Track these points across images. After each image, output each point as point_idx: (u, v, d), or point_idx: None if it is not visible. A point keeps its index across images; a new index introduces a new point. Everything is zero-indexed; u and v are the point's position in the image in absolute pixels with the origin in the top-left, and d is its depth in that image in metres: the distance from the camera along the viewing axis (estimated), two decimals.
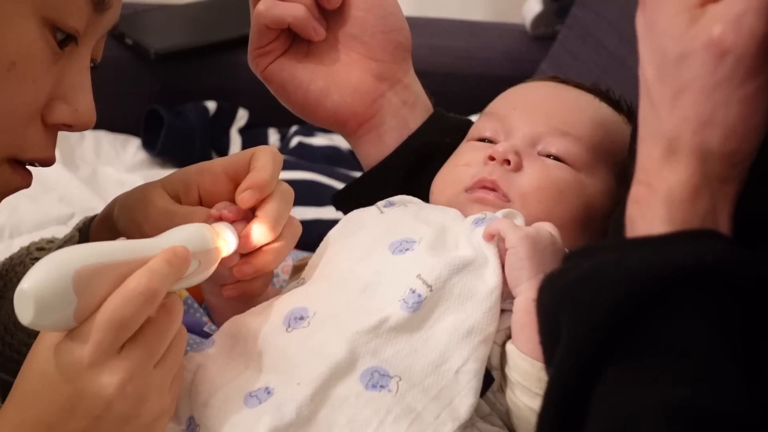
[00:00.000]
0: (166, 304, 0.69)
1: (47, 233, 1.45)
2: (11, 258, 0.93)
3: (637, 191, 0.64)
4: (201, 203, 0.82)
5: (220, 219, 0.79)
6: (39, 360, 0.68)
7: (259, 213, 0.78)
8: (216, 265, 0.76)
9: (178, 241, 0.71)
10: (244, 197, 0.78)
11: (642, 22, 0.66)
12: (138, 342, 0.67)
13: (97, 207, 1.57)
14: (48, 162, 0.76)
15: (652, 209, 0.62)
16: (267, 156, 0.79)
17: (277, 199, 0.79)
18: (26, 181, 0.78)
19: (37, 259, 0.89)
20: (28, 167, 0.77)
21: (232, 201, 0.80)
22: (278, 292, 0.86)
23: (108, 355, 0.66)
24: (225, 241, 0.77)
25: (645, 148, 0.64)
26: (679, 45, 0.62)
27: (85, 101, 0.74)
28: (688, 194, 0.62)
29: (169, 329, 0.69)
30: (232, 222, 0.78)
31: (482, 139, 0.90)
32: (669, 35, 0.63)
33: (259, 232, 0.78)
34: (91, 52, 0.76)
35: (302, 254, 1.29)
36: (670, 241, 0.61)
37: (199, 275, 0.74)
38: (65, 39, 0.72)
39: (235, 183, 0.80)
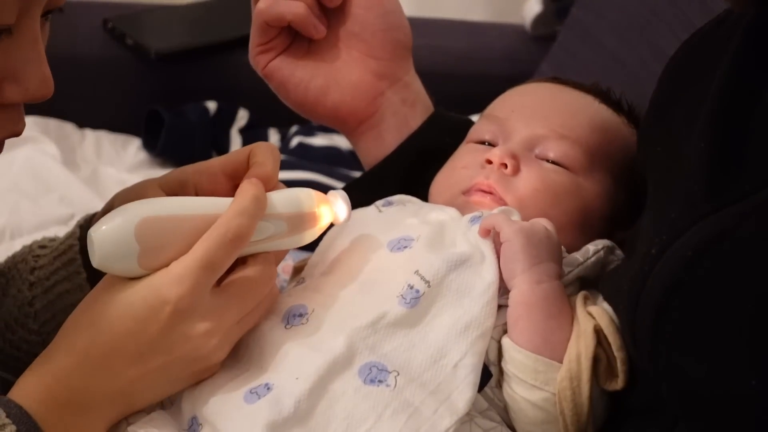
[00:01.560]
0: (267, 268, 0.74)
1: (48, 234, 1.45)
2: (14, 256, 0.93)
3: None
4: None
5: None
6: (111, 299, 0.70)
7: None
8: (315, 231, 0.78)
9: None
10: None
11: None
12: (233, 297, 0.72)
13: (97, 207, 1.56)
14: (16, 134, 0.74)
15: None
16: (266, 151, 0.80)
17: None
18: None
19: (39, 257, 0.89)
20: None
21: None
22: (278, 292, 0.86)
23: (200, 299, 0.70)
24: (331, 209, 0.78)
25: None
26: None
27: (34, 76, 0.70)
28: None
29: (260, 291, 0.74)
30: None
31: (481, 142, 0.91)
32: None
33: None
34: (39, 18, 0.70)
35: (303, 254, 1.30)
36: None
37: (287, 239, 0.76)
38: None
39: (234, 181, 0.80)
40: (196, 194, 0.82)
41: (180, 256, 0.71)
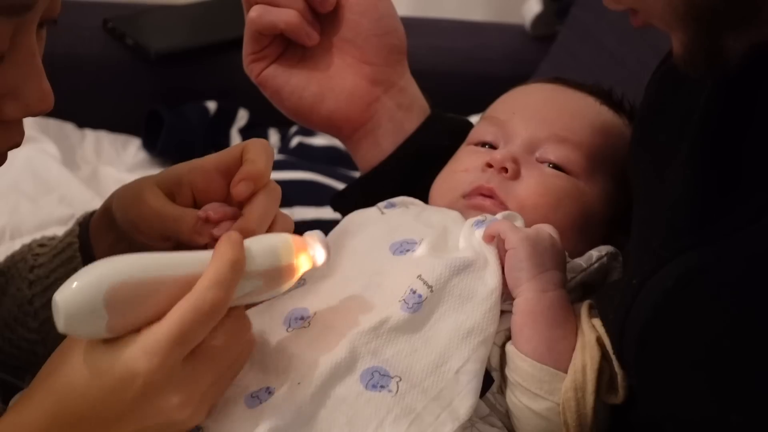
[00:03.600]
0: (233, 326, 0.69)
1: (48, 234, 1.45)
2: (13, 255, 0.92)
3: None
4: (195, 202, 0.81)
5: (207, 220, 0.77)
6: (81, 363, 0.67)
7: (245, 211, 0.77)
8: (291, 282, 0.73)
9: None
10: (239, 189, 0.76)
11: None
12: (206, 365, 0.68)
13: (97, 207, 1.56)
14: (17, 145, 0.74)
15: None
16: (258, 148, 0.78)
17: (263, 197, 0.78)
18: None
19: (38, 255, 0.89)
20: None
21: (227, 198, 0.79)
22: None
23: (173, 372, 0.66)
24: (309, 256, 0.74)
25: None
26: None
27: (35, 91, 0.69)
28: None
29: (233, 351, 0.70)
30: (217, 222, 0.77)
31: (482, 144, 0.91)
32: None
33: (242, 227, 0.76)
34: (34, 33, 0.70)
35: None
36: None
37: (263, 294, 0.72)
38: None
39: (228, 179, 0.79)
40: (193, 193, 0.81)
41: (152, 321, 0.67)
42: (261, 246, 0.71)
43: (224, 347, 0.69)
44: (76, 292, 0.64)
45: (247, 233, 0.73)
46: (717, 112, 0.70)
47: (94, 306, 0.64)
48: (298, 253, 0.72)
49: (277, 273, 0.72)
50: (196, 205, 0.81)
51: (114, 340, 0.66)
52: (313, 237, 0.74)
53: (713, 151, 0.69)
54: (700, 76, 0.70)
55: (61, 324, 0.65)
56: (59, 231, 1.43)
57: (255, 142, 0.79)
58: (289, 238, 0.73)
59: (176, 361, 0.66)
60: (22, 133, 0.72)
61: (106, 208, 0.86)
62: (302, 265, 0.73)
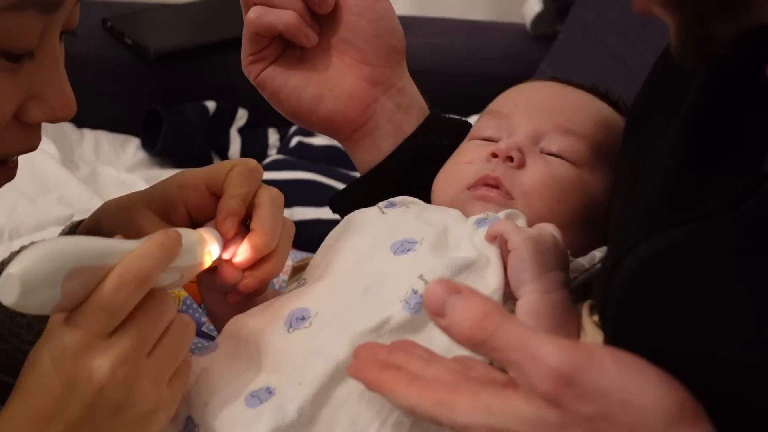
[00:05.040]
0: (157, 293, 0.68)
1: (47, 234, 1.45)
2: (2, 262, 0.92)
3: None
4: (191, 217, 0.82)
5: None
6: (35, 352, 0.67)
7: (254, 226, 0.78)
8: (193, 275, 0.76)
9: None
10: (226, 227, 0.78)
11: None
12: (128, 327, 0.67)
13: (96, 207, 1.56)
14: (31, 151, 0.74)
15: None
16: (241, 180, 0.79)
17: (269, 207, 0.79)
18: (7, 178, 0.76)
19: None
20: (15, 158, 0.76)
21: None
22: (277, 293, 0.85)
23: (98, 340, 0.66)
24: (210, 253, 0.76)
25: None
26: None
27: (59, 96, 0.71)
28: None
29: (161, 317, 0.69)
30: (228, 239, 0.78)
31: (484, 139, 0.90)
32: None
33: (258, 245, 0.78)
34: (58, 38, 0.72)
35: (302, 254, 1.29)
36: None
37: (175, 286, 0.74)
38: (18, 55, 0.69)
39: (218, 197, 0.79)
40: (187, 211, 0.81)
41: None
42: (186, 243, 0.72)
43: (149, 323, 0.67)
44: (37, 269, 0.63)
45: (261, 252, 0.77)
46: (705, 101, 0.70)
47: (52, 286, 0.63)
48: (205, 251, 0.75)
49: (193, 269, 0.74)
50: (192, 221, 0.81)
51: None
52: (209, 234, 0.76)
53: (697, 140, 0.69)
54: (693, 67, 0.70)
55: (10, 298, 0.63)
56: (57, 232, 1.43)
57: (241, 169, 0.80)
58: (203, 237, 0.75)
59: (102, 330, 0.66)
60: (39, 138, 0.73)
61: (93, 225, 0.86)
62: (206, 262, 0.76)
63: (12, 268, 0.63)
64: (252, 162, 0.81)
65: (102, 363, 0.66)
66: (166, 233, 0.69)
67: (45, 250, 0.64)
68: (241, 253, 0.78)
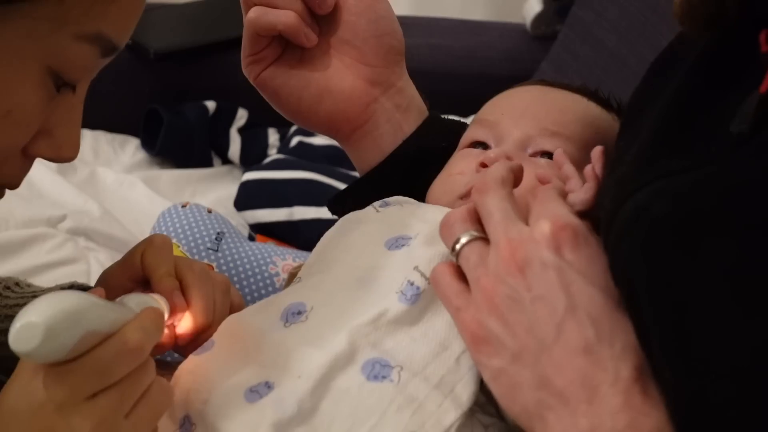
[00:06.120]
0: (139, 367, 0.69)
1: (37, 232, 1.43)
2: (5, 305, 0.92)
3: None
4: None
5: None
6: (11, 395, 0.67)
7: (191, 307, 0.81)
8: None
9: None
10: (180, 302, 0.81)
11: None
12: (111, 389, 0.67)
13: (90, 210, 1.56)
14: (14, 187, 0.74)
15: None
16: (153, 258, 0.82)
17: (198, 285, 0.81)
18: None
19: (8, 297, 0.89)
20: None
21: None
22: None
23: (82, 400, 0.66)
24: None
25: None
26: None
27: (70, 138, 0.72)
28: None
29: (141, 380, 0.69)
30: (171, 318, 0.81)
31: (474, 144, 0.91)
32: None
33: (199, 323, 0.82)
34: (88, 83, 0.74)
35: (303, 253, 1.29)
36: None
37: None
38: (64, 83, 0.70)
39: (141, 282, 0.82)
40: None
41: None
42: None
43: (130, 385, 0.68)
44: (61, 324, 0.63)
45: (201, 328, 0.81)
46: (705, 65, 0.70)
47: (69, 340, 0.63)
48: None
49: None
50: None
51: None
52: (162, 301, 0.79)
53: (680, 114, 0.69)
54: (695, 34, 0.70)
55: (33, 344, 0.62)
56: (48, 231, 1.41)
57: (154, 251, 0.82)
58: (163, 306, 0.78)
59: (89, 391, 0.66)
60: (27, 172, 0.73)
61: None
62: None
63: (35, 317, 0.62)
64: (158, 238, 0.83)
65: (83, 423, 0.66)
66: (157, 312, 0.71)
67: (67, 306, 0.64)
68: (183, 326, 0.82)
